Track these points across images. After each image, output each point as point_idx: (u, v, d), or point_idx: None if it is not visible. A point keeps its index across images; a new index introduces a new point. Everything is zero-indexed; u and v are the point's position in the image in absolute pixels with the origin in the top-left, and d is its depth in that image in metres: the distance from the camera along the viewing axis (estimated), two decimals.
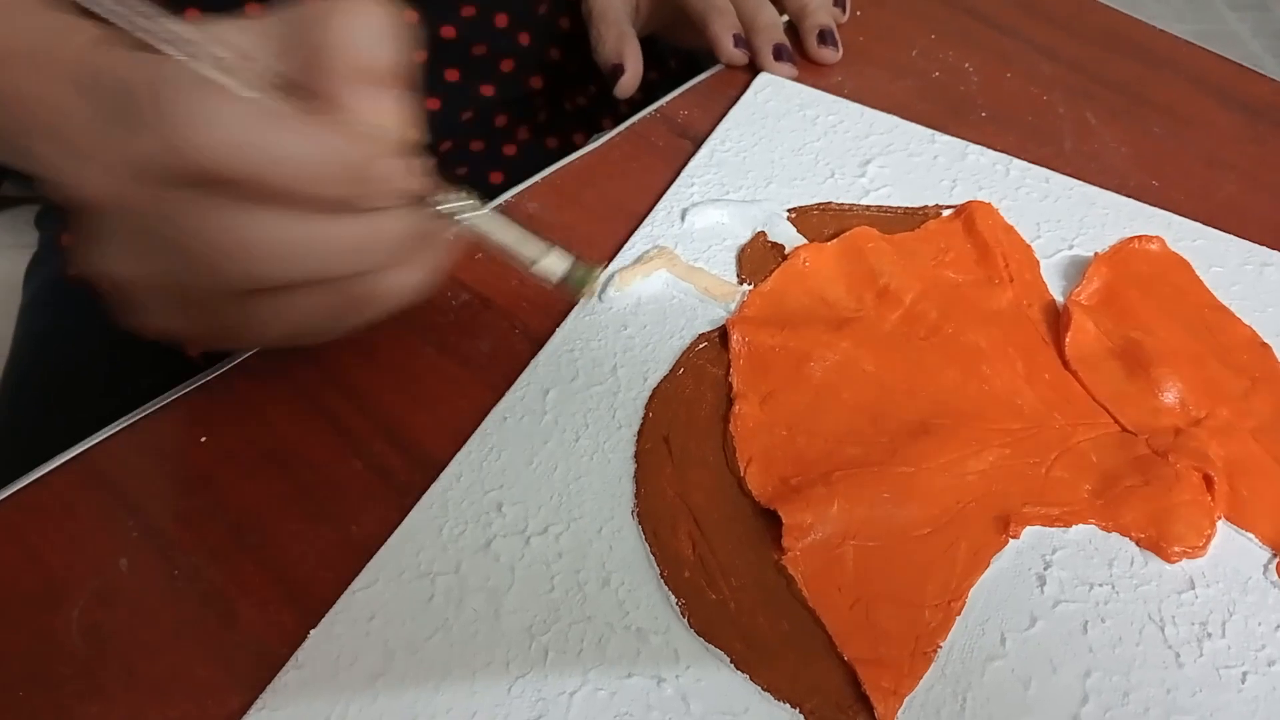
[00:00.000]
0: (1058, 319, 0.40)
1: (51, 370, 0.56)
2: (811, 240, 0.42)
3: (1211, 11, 1.91)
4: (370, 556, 0.32)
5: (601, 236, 0.42)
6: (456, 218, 0.31)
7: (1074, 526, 0.34)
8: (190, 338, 0.33)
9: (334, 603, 0.31)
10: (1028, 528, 0.33)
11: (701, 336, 0.39)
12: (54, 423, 0.53)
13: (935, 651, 0.30)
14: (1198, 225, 0.45)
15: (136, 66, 0.27)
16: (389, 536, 0.32)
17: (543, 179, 0.46)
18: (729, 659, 0.30)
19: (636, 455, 0.35)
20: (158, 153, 0.27)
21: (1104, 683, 0.30)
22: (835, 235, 0.42)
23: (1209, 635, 0.31)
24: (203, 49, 0.27)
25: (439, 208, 0.31)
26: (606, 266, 0.40)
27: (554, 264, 0.33)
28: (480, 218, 0.32)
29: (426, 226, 0.30)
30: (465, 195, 0.31)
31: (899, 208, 0.45)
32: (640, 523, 0.33)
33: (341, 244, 0.29)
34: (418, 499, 0.33)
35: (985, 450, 0.35)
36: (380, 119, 0.29)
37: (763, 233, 0.43)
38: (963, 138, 0.48)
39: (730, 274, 0.41)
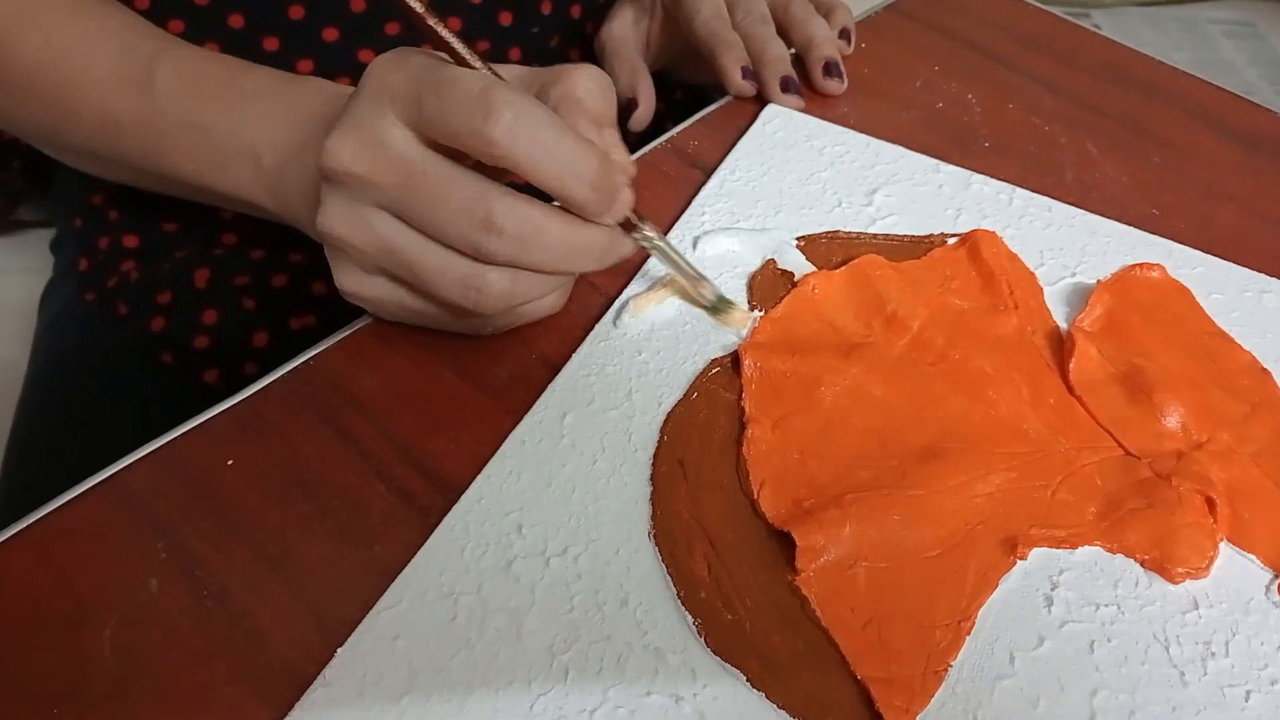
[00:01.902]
0: (1061, 345, 0.41)
1: (70, 394, 0.57)
2: (820, 268, 0.43)
3: (1208, 40, 1.93)
4: (394, 577, 0.32)
5: (615, 265, 0.43)
6: (652, 244, 0.39)
7: (1080, 548, 0.34)
8: (385, 303, 0.38)
9: (359, 623, 0.31)
10: (1035, 549, 0.34)
11: (714, 362, 0.40)
12: (73, 445, 0.54)
13: (946, 670, 0.31)
14: (1198, 253, 0.46)
15: (427, 67, 0.34)
16: (412, 558, 0.33)
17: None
18: (745, 678, 0.31)
19: (652, 478, 0.36)
20: (438, 127, 0.33)
21: (1110, 701, 0.31)
22: (843, 263, 0.43)
23: (1213, 655, 0.32)
24: (489, 68, 0.35)
25: (645, 233, 0.39)
26: (751, 310, 0.42)
27: (707, 293, 0.41)
28: (665, 248, 0.40)
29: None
30: (654, 227, 0.39)
31: (905, 236, 0.46)
32: (657, 544, 0.34)
33: (570, 240, 0.35)
34: (439, 521, 0.34)
35: (992, 474, 0.36)
36: (617, 155, 0.37)
37: (773, 260, 0.44)
38: (967, 168, 0.50)
39: (741, 300, 0.42)
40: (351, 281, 0.38)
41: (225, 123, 0.41)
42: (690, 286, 0.41)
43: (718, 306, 0.41)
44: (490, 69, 0.35)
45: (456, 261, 0.35)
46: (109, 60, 0.43)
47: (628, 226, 0.38)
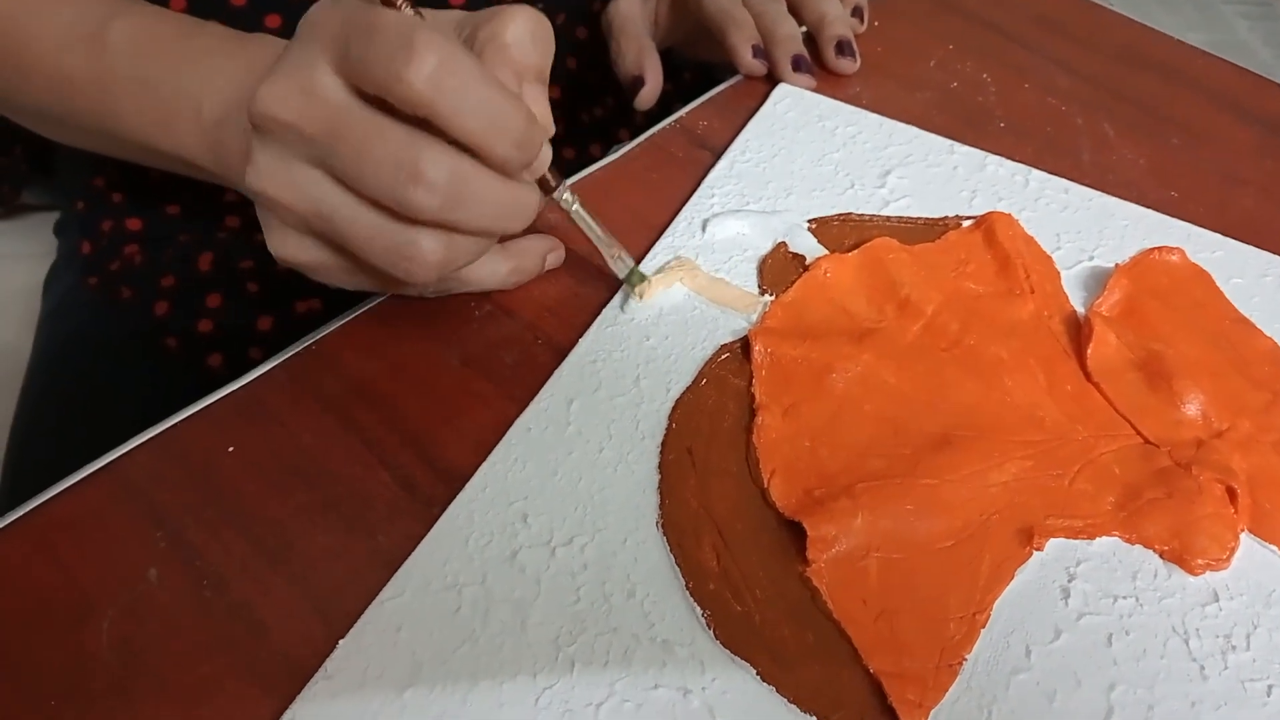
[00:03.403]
0: (1079, 331, 0.40)
1: (73, 379, 0.56)
2: (832, 251, 0.43)
3: (1222, 21, 1.91)
4: (397, 568, 0.32)
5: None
6: (569, 207, 0.39)
7: (1097, 539, 0.34)
8: (316, 268, 0.36)
9: (362, 614, 0.31)
10: (1051, 540, 0.33)
11: (724, 347, 0.39)
12: (77, 431, 0.53)
13: (960, 664, 0.30)
14: (1218, 236, 0.45)
15: (357, 10, 0.32)
16: (415, 548, 0.32)
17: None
18: (755, 671, 0.30)
19: (660, 466, 0.35)
20: (362, 73, 0.31)
21: (1128, 696, 0.30)
22: (856, 246, 0.43)
23: (1233, 648, 0.31)
24: (408, 10, 0.34)
25: (560, 195, 0.38)
26: (762, 294, 0.41)
27: (618, 265, 0.40)
28: (581, 212, 0.39)
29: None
30: (568, 188, 0.39)
31: (919, 218, 0.45)
32: (665, 534, 0.33)
33: (498, 197, 0.34)
34: (443, 510, 0.33)
35: (1008, 462, 0.35)
36: (538, 110, 0.35)
37: (784, 243, 0.43)
38: (982, 149, 0.49)
39: (752, 285, 0.41)
40: (282, 244, 0.35)
41: (172, 78, 0.40)
42: (604, 253, 0.40)
43: (630, 279, 0.40)
44: (418, 12, 0.34)
45: (385, 225, 0.33)
46: (63, 19, 0.41)
47: (544, 187, 0.37)
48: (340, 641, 0.30)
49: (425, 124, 0.32)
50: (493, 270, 0.39)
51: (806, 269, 0.42)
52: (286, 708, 0.29)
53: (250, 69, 0.38)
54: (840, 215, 0.45)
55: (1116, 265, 0.42)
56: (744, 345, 0.39)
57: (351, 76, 0.32)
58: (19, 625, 0.31)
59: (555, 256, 0.42)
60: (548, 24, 0.35)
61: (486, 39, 0.34)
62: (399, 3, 0.33)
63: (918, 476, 0.34)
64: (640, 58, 0.54)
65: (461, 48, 0.32)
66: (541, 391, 0.37)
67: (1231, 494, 0.34)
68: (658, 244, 0.43)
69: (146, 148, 0.42)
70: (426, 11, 0.35)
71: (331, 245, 0.35)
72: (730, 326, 0.40)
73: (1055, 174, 0.47)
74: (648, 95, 0.53)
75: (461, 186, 0.32)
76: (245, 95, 0.37)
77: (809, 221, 0.44)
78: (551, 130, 0.36)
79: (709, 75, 0.66)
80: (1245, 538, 0.34)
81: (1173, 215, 0.46)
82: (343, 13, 0.32)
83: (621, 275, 0.41)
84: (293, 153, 0.33)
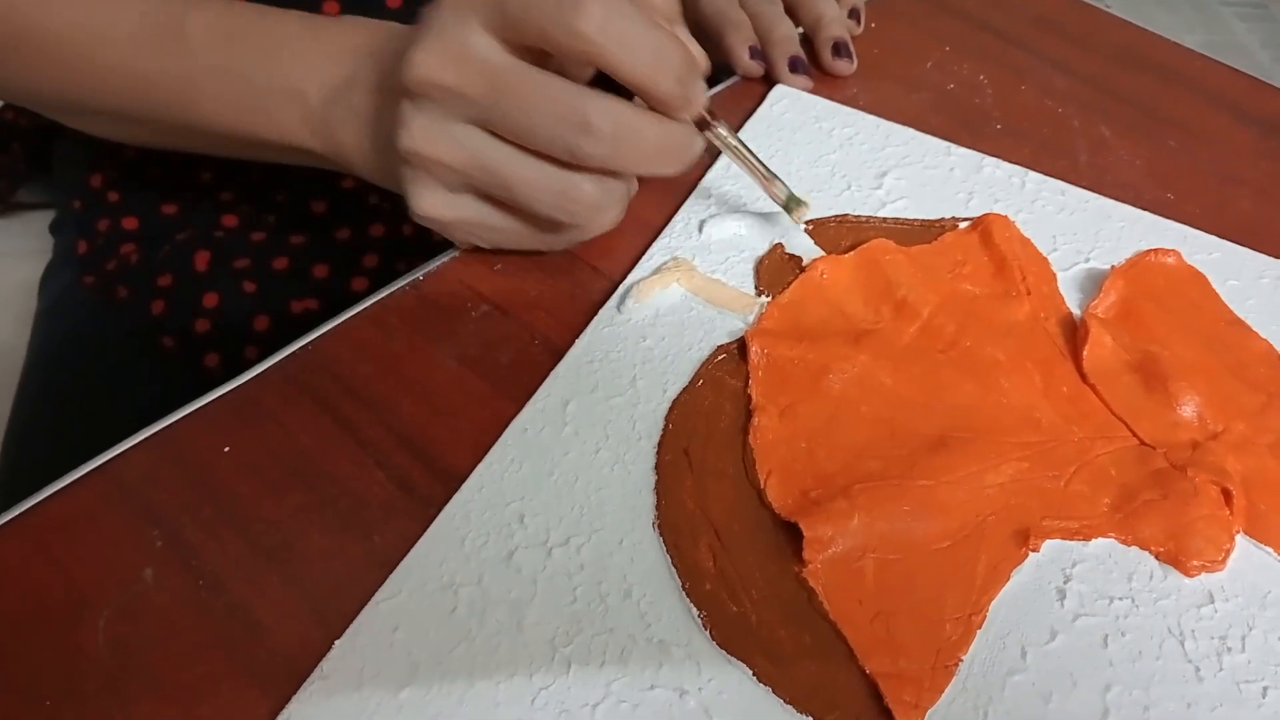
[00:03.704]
0: (1075, 332, 0.40)
1: (70, 378, 0.56)
2: (829, 252, 0.43)
3: (1220, 23, 1.91)
4: (393, 568, 0.32)
5: (619, 247, 0.43)
6: (724, 142, 0.40)
7: (1093, 540, 0.34)
8: (460, 224, 0.39)
9: (358, 614, 0.31)
10: (1047, 541, 0.33)
11: (720, 348, 0.39)
12: (73, 430, 0.53)
13: (956, 665, 0.30)
14: (1214, 239, 0.45)
15: None
16: (411, 548, 0.32)
17: None
18: (751, 671, 0.30)
19: (657, 467, 0.35)
20: (524, 30, 0.33)
21: (1124, 697, 0.30)
22: (853, 247, 0.43)
23: (1229, 650, 0.31)
24: None
25: (718, 131, 0.39)
26: (758, 295, 0.41)
27: (779, 192, 0.42)
28: (738, 145, 0.40)
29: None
30: (726, 124, 0.40)
31: (916, 220, 0.45)
32: (661, 534, 0.33)
33: (660, 139, 0.36)
34: (439, 510, 0.33)
35: (1004, 464, 0.35)
36: (693, 49, 0.37)
37: (780, 244, 0.43)
38: (978, 150, 0.49)
39: (748, 286, 0.41)
40: (433, 203, 0.38)
41: (265, 67, 0.41)
42: (763, 185, 0.42)
43: (789, 205, 0.42)
44: None
45: (552, 172, 0.36)
46: (134, 18, 0.42)
47: (701, 124, 0.39)
48: (336, 642, 0.30)
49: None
50: (616, 217, 0.40)
51: (803, 270, 0.42)
52: (282, 708, 0.29)
53: (345, 48, 0.40)
54: (837, 216, 0.45)
55: (1112, 267, 0.42)
56: (740, 346, 0.39)
57: (508, 34, 0.34)
58: (15, 625, 0.31)
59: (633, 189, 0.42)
60: None
61: None
62: None
63: (914, 478, 0.34)
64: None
65: None
66: (538, 392, 0.37)
67: (1227, 496, 0.34)
68: (654, 244, 0.43)
69: (237, 138, 0.43)
70: None
71: (485, 198, 0.38)
72: (727, 327, 0.40)
73: (1052, 175, 0.48)
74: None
75: (627, 133, 0.35)
76: (349, 73, 0.39)
77: (806, 222, 0.44)
78: (706, 65, 0.38)
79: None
80: (1240, 539, 0.34)
81: (1170, 217, 0.46)
82: None
83: (780, 202, 0.42)
84: (450, 113, 0.35)
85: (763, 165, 0.41)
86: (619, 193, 0.38)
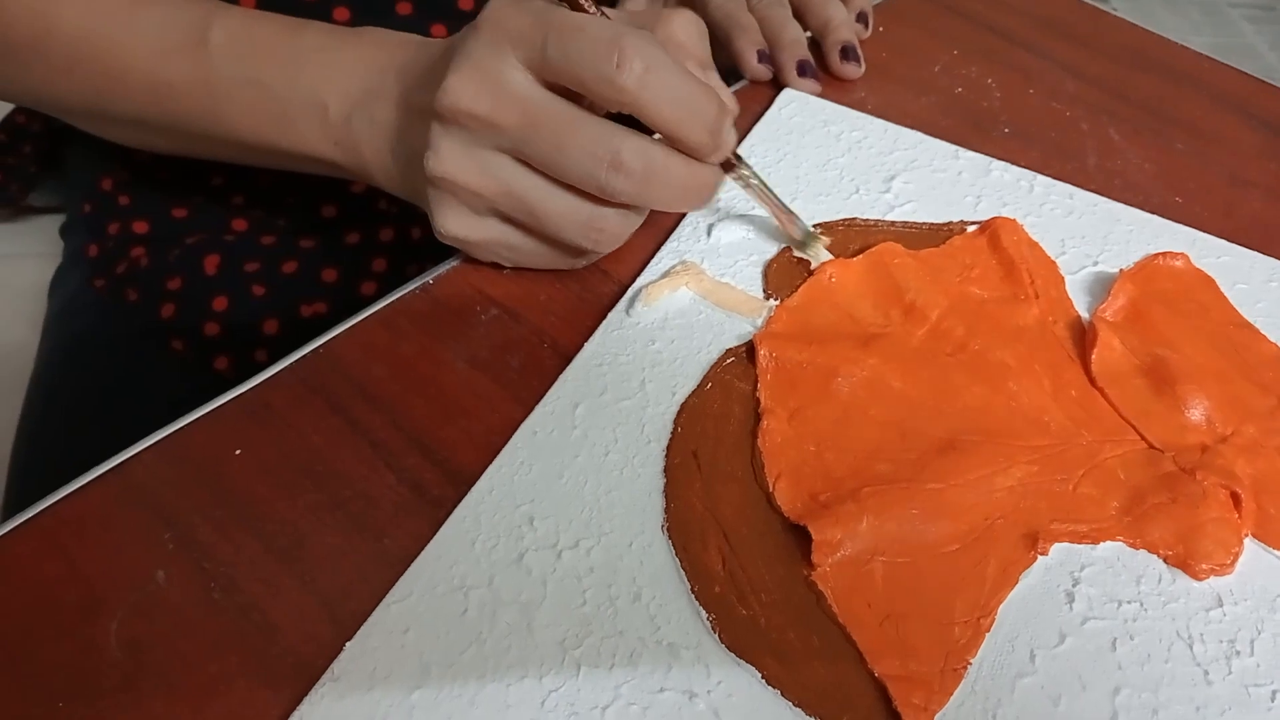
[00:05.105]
0: (1083, 336, 0.40)
1: (80, 381, 0.56)
2: (837, 256, 0.43)
3: (1228, 24, 1.91)
4: (404, 569, 0.32)
5: (628, 251, 0.43)
6: (747, 183, 0.41)
7: (1102, 543, 0.34)
8: (485, 244, 0.40)
9: (369, 614, 0.31)
10: (1056, 544, 0.33)
11: (729, 352, 0.39)
12: (83, 433, 0.54)
13: (965, 668, 0.30)
14: (1222, 242, 0.45)
15: (548, 11, 0.35)
16: (422, 550, 0.32)
17: None
18: (760, 674, 0.30)
19: (666, 470, 0.35)
20: (563, 71, 0.34)
21: (1133, 700, 0.30)
22: (861, 251, 0.43)
23: (1237, 653, 0.31)
24: (603, 12, 0.37)
25: (742, 172, 0.41)
26: (766, 299, 0.42)
27: (796, 231, 0.43)
28: (760, 186, 0.42)
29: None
30: (749, 166, 0.41)
31: (924, 223, 0.45)
32: (670, 537, 0.33)
33: (685, 180, 0.37)
34: (450, 512, 0.34)
35: (1013, 467, 0.35)
36: (724, 97, 0.38)
37: (789, 248, 0.43)
38: (986, 154, 0.49)
39: (757, 289, 0.42)
40: (458, 224, 0.38)
41: (288, 78, 0.41)
42: (782, 222, 0.43)
43: (805, 242, 0.43)
44: (603, 11, 0.37)
45: (579, 204, 0.37)
46: (156, 24, 0.42)
47: (727, 166, 0.40)
48: (347, 644, 0.30)
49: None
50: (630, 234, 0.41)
51: (811, 274, 0.42)
52: (294, 709, 0.29)
53: (368, 62, 0.40)
54: (845, 220, 0.45)
55: (1121, 270, 0.42)
56: (749, 349, 0.39)
57: (545, 73, 0.35)
58: (28, 625, 0.31)
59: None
60: (703, 22, 0.41)
61: (664, 39, 0.38)
62: (588, 6, 0.37)
63: (923, 481, 0.34)
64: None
65: (660, 47, 0.35)
66: (547, 395, 0.37)
67: (1236, 499, 0.34)
68: (663, 248, 0.43)
69: (259, 148, 0.43)
70: (609, 11, 0.38)
71: (510, 222, 0.39)
72: (735, 331, 0.40)
73: (1060, 179, 0.48)
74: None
75: (656, 172, 0.36)
76: (371, 88, 0.40)
77: (814, 226, 0.44)
78: (737, 111, 0.39)
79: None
80: (1249, 543, 0.34)
81: (1179, 219, 0.46)
82: (532, 14, 0.35)
83: (798, 238, 0.43)
84: (480, 141, 0.36)
85: (783, 204, 0.42)
86: (640, 220, 0.40)
